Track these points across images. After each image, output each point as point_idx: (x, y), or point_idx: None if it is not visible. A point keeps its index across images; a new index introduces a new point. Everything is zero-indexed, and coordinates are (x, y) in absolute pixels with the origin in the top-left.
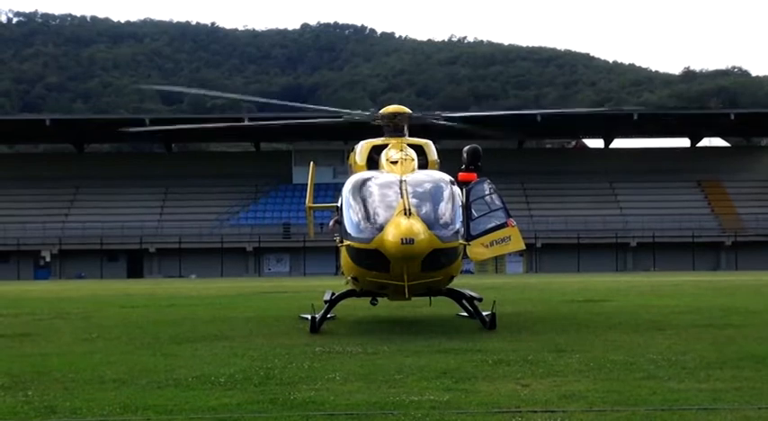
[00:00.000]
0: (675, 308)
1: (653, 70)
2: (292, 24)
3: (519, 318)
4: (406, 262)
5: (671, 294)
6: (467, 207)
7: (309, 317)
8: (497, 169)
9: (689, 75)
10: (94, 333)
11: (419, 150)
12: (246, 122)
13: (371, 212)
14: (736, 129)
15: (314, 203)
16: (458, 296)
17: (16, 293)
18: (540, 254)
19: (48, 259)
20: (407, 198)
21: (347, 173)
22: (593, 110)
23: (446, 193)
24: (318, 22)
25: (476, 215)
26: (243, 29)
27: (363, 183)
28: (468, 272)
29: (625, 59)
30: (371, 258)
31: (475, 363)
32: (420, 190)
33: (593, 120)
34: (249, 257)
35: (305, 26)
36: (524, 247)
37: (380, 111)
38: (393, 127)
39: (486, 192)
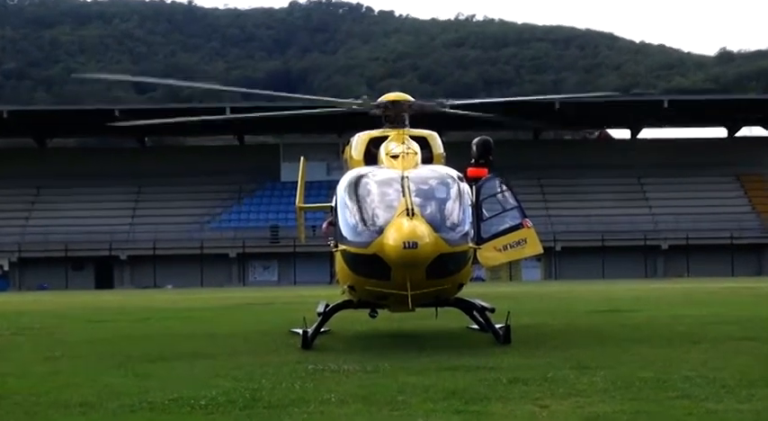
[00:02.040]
0: (712, 318)
1: (685, 52)
2: (280, 2)
3: (536, 331)
4: (409, 268)
5: (707, 303)
6: (477, 206)
7: (301, 331)
8: (511, 163)
9: (725, 56)
10: (58, 351)
11: (423, 143)
12: (228, 114)
13: (370, 213)
14: None
15: (305, 203)
16: (468, 306)
17: None
18: (559, 258)
19: (5, 268)
20: (410, 196)
21: (342, 169)
22: (617, 96)
23: (453, 191)
24: (309, 0)
25: (487, 215)
26: (224, 8)
27: (360, 180)
28: (478, 279)
29: (653, 39)
30: (370, 265)
31: (487, 383)
32: (424, 187)
33: (619, 107)
34: (232, 265)
35: (294, 4)
36: (542, 251)
37: (379, 100)
38: (393, 117)
39: (499, 190)
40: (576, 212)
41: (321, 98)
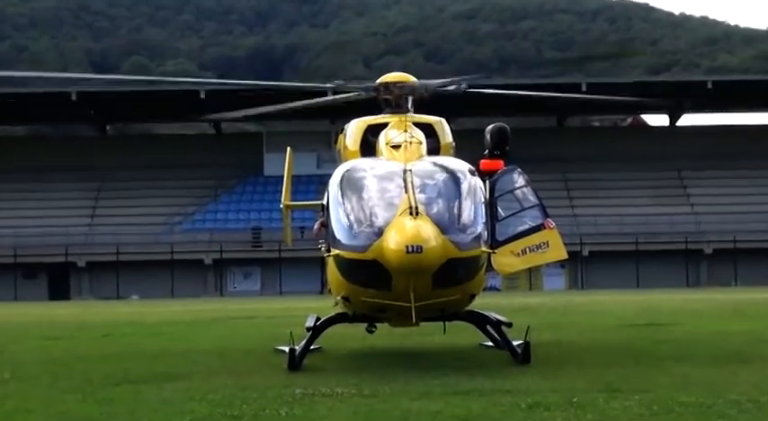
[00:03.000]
0: (764, 334)
1: (732, 24)
2: None
3: (560, 349)
4: (413, 276)
5: (758, 316)
6: (491, 204)
7: (287, 349)
8: (531, 154)
9: None
10: (6, 372)
11: (429, 131)
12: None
13: (367, 212)
14: None
15: (292, 201)
16: (480, 320)
17: None
18: (586, 264)
19: None
20: (413, 193)
21: (335, 161)
22: (654, 77)
23: (464, 187)
24: None
25: (503, 215)
26: None
27: (356, 173)
28: (493, 289)
29: (695, 11)
30: (367, 272)
31: (503, 408)
32: (430, 182)
33: (655, 90)
34: (208, 272)
35: None
36: (566, 256)
37: (378, 81)
38: (394, 101)
39: (517, 185)
40: (606, 211)
41: (309, 85)
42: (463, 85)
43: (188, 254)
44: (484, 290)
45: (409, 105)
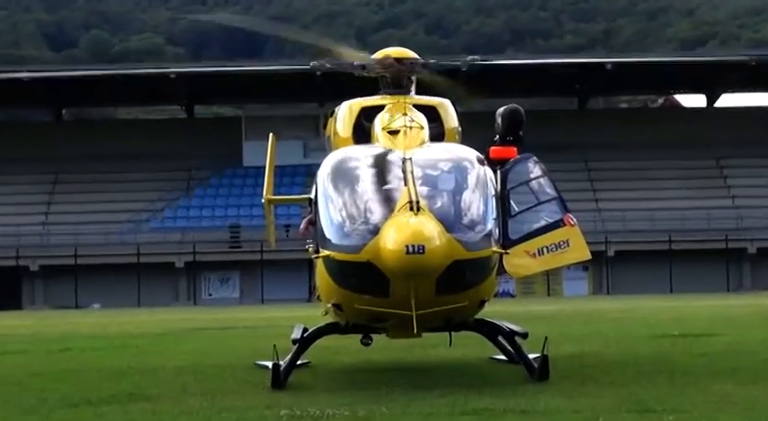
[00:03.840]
0: None
1: None
2: None
3: (583, 363)
4: (414, 280)
5: None
6: (503, 198)
7: (271, 364)
8: (549, 140)
9: None
10: None
11: (431, 114)
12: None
13: (361, 207)
14: None
15: (275, 195)
16: (492, 330)
17: None
18: (613, 265)
19: None
20: (414, 185)
21: (324, 149)
22: (689, 52)
23: (472, 178)
24: None
25: (517, 209)
26: None
27: (348, 163)
28: (506, 294)
29: None
30: (362, 276)
31: None
32: (433, 173)
33: (690, 67)
34: (180, 277)
35: None
36: (589, 257)
37: (373, 57)
38: (392, 80)
39: (532, 176)
40: (634, 205)
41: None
42: (470, 58)
43: (157, 256)
44: (495, 296)
45: (410, 85)
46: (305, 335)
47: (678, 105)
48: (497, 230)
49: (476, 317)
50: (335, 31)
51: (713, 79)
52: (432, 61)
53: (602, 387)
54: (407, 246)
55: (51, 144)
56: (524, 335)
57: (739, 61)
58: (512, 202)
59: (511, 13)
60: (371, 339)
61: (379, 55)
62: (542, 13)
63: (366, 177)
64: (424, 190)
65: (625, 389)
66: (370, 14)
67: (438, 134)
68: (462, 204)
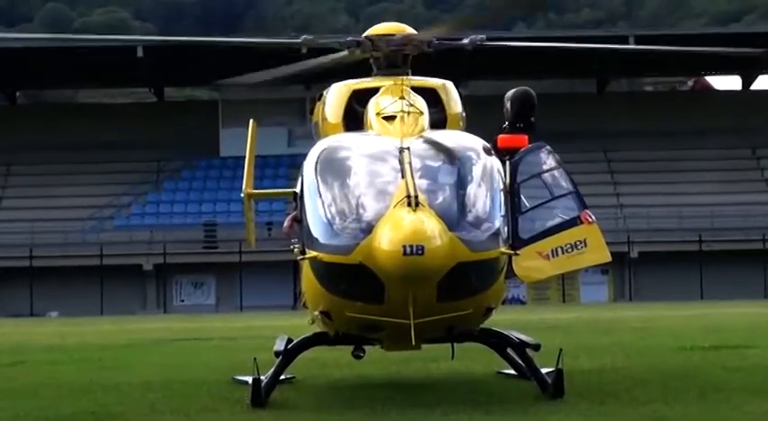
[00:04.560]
0: None
1: None
2: None
3: (602, 379)
4: (412, 285)
5: None
6: (513, 192)
7: (251, 380)
8: (564, 127)
9: None
10: None
11: (432, 98)
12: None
13: (353, 203)
14: None
15: (256, 189)
16: (500, 342)
17: None
18: (636, 268)
19: None
20: (412, 178)
21: (311, 137)
22: (722, 28)
23: (478, 169)
24: None
25: (528, 205)
26: None
27: (339, 153)
28: (516, 301)
29: None
30: (353, 280)
31: None
32: (434, 164)
33: (724, 44)
34: (148, 281)
35: None
36: (609, 259)
37: (366, 34)
38: (387, 59)
39: (546, 167)
40: (660, 200)
41: (276, 40)
42: (480, 37)
43: (122, 257)
44: (504, 302)
45: (408, 65)
46: (289, 346)
47: (710, 88)
48: (506, 229)
49: (482, 326)
50: (324, 5)
51: (749, 59)
52: (432, 39)
53: (624, 405)
54: (405, 247)
55: (3, 130)
56: (536, 347)
57: None
58: (522, 197)
59: None
60: (364, 351)
61: (373, 31)
62: None
63: (358, 169)
64: (423, 183)
65: (649, 408)
66: None
67: (439, 120)
68: (467, 199)
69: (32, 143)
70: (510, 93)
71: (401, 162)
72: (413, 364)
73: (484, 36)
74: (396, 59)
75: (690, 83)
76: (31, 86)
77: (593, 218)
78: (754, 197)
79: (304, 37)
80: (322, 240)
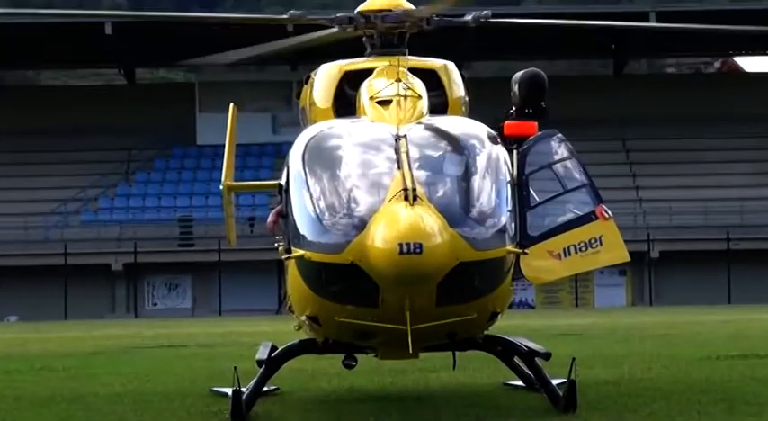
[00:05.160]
0: None
1: None
2: None
3: (620, 390)
4: (410, 287)
5: None
6: (521, 185)
7: (230, 391)
8: (578, 114)
9: None
10: None
11: (431, 80)
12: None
13: (344, 196)
14: None
15: (237, 181)
16: (506, 350)
17: None
18: (657, 270)
19: None
20: (410, 169)
21: (298, 124)
22: (752, 5)
23: (482, 160)
24: None
25: (538, 199)
26: None
27: (328, 141)
28: (524, 305)
29: None
30: (345, 281)
31: None
32: (433, 153)
33: (754, 21)
34: (117, 282)
35: None
36: (628, 258)
37: (359, 10)
38: (382, 37)
39: (557, 157)
40: (684, 194)
41: (258, 17)
42: (484, 13)
43: (89, 256)
44: (510, 306)
45: (404, 44)
46: (273, 354)
47: (739, 70)
48: (513, 225)
49: (486, 332)
50: None
51: None
52: (432, 15)
53: (643, 420)
54: (401, 245)
55: None
56: (546, 356)
57: None
58: (531, 191)
59: None
60: (356, 360)
61: (367, 6)
62: None
63: (350, 159)
64: (421, 175)
65: None
66: None
67: (440, 105)
68: (470, 193)
69: None
70: (518, 75)
71: (397, 151)
72: (410, 375)
73: (489, 12)
74: (392, 38)
75: (717, 64)
76: None
77: (610, 213)
78: None
79: (291, 12)
80: (310, 237)
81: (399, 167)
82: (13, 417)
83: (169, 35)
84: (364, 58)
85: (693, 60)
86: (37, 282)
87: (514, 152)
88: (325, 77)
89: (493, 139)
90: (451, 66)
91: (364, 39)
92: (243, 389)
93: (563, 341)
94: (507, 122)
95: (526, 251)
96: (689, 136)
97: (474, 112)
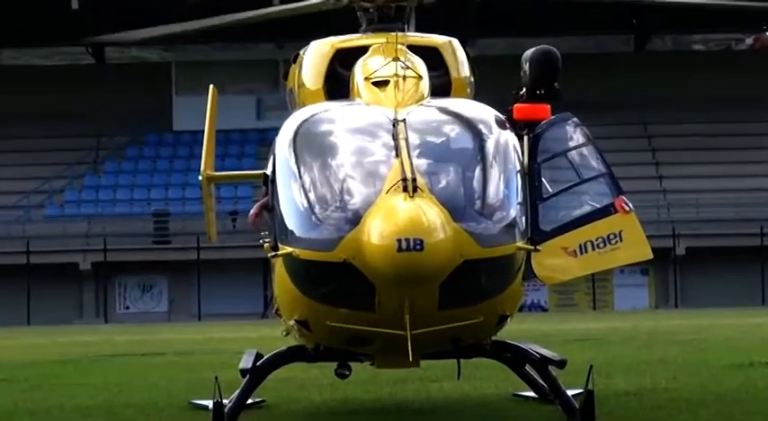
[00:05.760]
0: None
1: None
2: None
3: (642, 402)
4: (409, 288)
5: None
6: (531, 174)
7: (211, 404)
8: (595, 96)
9: None
10: None
11: (433, 59)
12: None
13: (336, 187)
14: None
15: (218, 171)
16: (516, 357)
17: None
18: (683, 268)
19: None
20: (409, 157)
21: (285, 108)
22: None
23: (489, 146)
24: None
25: (550, 190)
26: None
27: (319, 127)
28: (537, 307)
29: None
30: (338, 281)
31: None
32: (436, 140)
33: None
34: (85, 283)
35: None
36: (651, 255)
37: None
38: (378, 11)
39: (572, 144)
40: (712, 184)
41: None
42: None
43: (53, 255)
44: (521, 309)
45: (404, 20)
46: (258, 363)
47: None
48: (524, 219)
49: (494, 338)
50: None
51: None
52: None
53: None
54: (399, 241)
55: None
56: (561, 364)
57: None
58: (544, 181)
59: None
60: (350, 369)
61: None
62: None
63: (343, 146)
64: (422, 163)
65: None
66: None
67: (442, 86)
68: (476, 183)
69: None
70: (528, 52)
71: (395, 137)
72: (410, 385)
73: None
74: (389, 12)
75: (749, 41)
76: None
77: (631, 205)
78: None
79: None
80: (298, 233)
81: (398, 155)
82: None
83: (142, 9)
84: (359, 35)
85: (723, 36)
86: None
87: (525, 138)
88: (315, 56)
89: (501, 124)
90: (455, 43)
91: (359, 13)
92: (225, 402)
93: (579, 347)
94: (517, 105)
95: (538, 248)
96: (718, 120)
97: (480, 95)
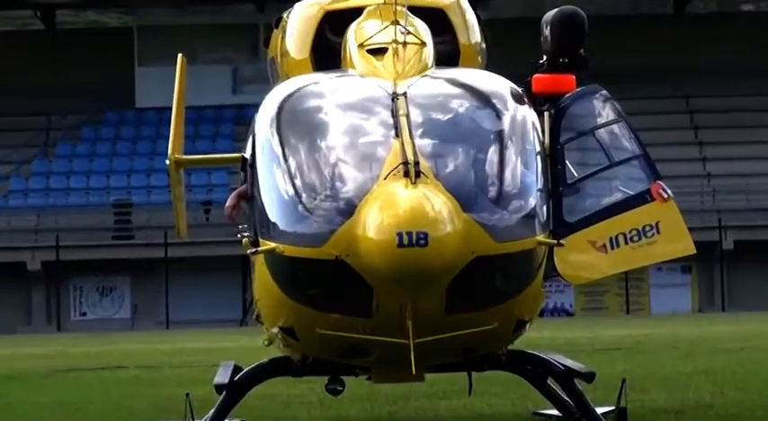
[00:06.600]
0: None
1: None
2: None
3: (682, 420)
4: (412, 289)
5: None
6: (554, 156)
7: None
8: (628, 65)
9: None
10: None
11: (438, 22)
12: None
13: (326, 173)
14: None
15: (188, 154)
16: (537, 369)
17: None
18: (730, 265)
19: None
20: (411, 137)
21: (266, 80)
22: None
23: (505, 124)
24: None
25: (576, 175)
26: None
27: (306, 102)
28: (561, 311)
29: None
30: (329, 282)
31: None
32: (441, 117)
33: None
34: (34, 285)
35: None
36: (693, 250)
37: None
38: None
39: (601, 121)
40: (764, 167)
41: None
42: None
43: None
44: (542, 313)
45: None
46: (236, 377)
47: None
48: (545, 209)
49: (510, 347)
50: None
51: None
52: None
53: None
54: (400, 235)
55: None
56: (589, 377)
57: None
58: (568, 164)
59: None
60: (343, 384)
61: None
62: None
63: (334, 124)
64: (426, 144)
65: None
66: None
67: (449, 53)
68: (488, 167)
69: None
70: (549, 14)
71: (395, 114)
72: (413, 402)
73: None
74: None
75: None
76: None
77: (670, 192)
78: None
79: None
80: (283, 226)
81: (397, 135)
82: None
83: None
84: None
85: None
86: None
87: (546, 114)
88: (301, 20)
89: (518, 98)
90: (464, 3)
91: None
92: None
93: (610, 357)
94: (536, 76)
95: (562, 242)
96: None
97: (493, 63)
